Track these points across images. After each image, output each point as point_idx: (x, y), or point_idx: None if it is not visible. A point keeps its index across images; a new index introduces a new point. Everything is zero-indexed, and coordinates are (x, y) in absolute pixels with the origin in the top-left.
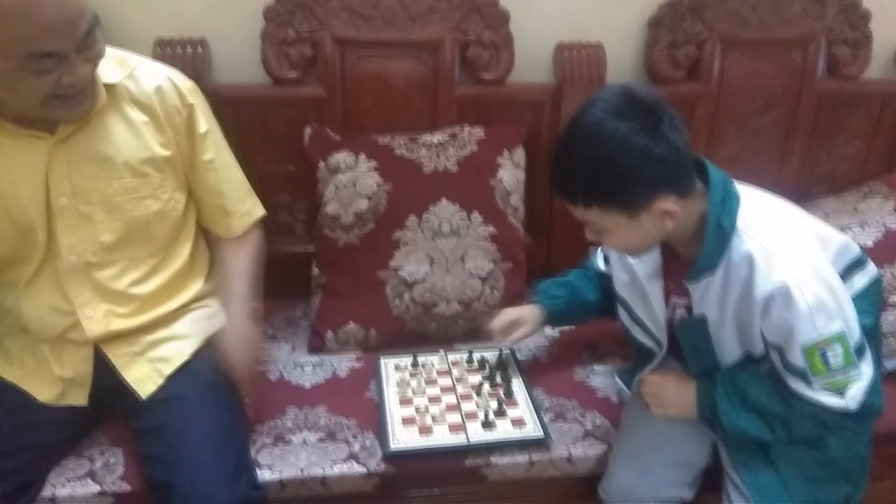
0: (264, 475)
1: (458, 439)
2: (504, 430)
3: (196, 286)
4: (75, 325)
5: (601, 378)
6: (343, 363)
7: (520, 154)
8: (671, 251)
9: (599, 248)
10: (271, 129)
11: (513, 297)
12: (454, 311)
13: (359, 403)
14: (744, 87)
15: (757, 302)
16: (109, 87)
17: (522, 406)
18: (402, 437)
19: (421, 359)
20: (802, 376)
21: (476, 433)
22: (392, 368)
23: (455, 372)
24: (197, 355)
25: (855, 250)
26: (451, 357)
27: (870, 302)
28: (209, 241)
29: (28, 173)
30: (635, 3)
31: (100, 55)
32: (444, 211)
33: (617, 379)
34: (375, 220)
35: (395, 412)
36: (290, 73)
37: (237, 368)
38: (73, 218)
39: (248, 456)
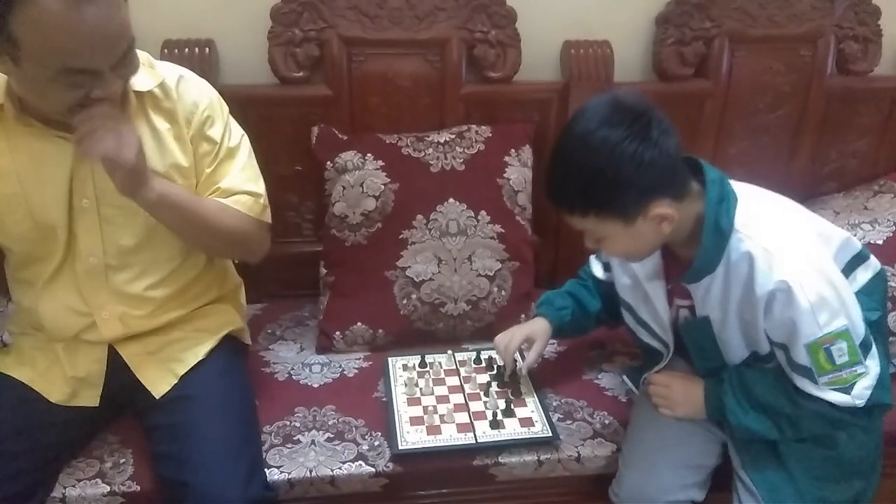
0: (273, 475)
1: (466, 439)
2: (512, 430)
3: (212, 291)
4: (91, 326)
5: (609, 377)
6: (351, 363)
7: (527, 153)
8: (671, 253)
9: (595, 256)
10: (278, 130)
11: (520, 297)
12: (462, 310)
13: (367, 403)
14: (752, 84)
15: (759, 300)
16: (138, 95)
17: (531, 405)
18: (411, 437)
19: (429, 358)
20: (808, 374)
21: (484, 433)
22: (400, 368)
23: (463, 371)
24: (211, 355)
25: (856, 245)
26: (459, 357)
27: (874, 297)
28: None
29: (53, 174)
30: (642, 0)
31: (133, 72)
32: (452, 210)
33: (625, 378)
34: (383, 219)
35: (403, 412)
36: (297, 73)
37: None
38: (93, 220)
39: (262, 457)
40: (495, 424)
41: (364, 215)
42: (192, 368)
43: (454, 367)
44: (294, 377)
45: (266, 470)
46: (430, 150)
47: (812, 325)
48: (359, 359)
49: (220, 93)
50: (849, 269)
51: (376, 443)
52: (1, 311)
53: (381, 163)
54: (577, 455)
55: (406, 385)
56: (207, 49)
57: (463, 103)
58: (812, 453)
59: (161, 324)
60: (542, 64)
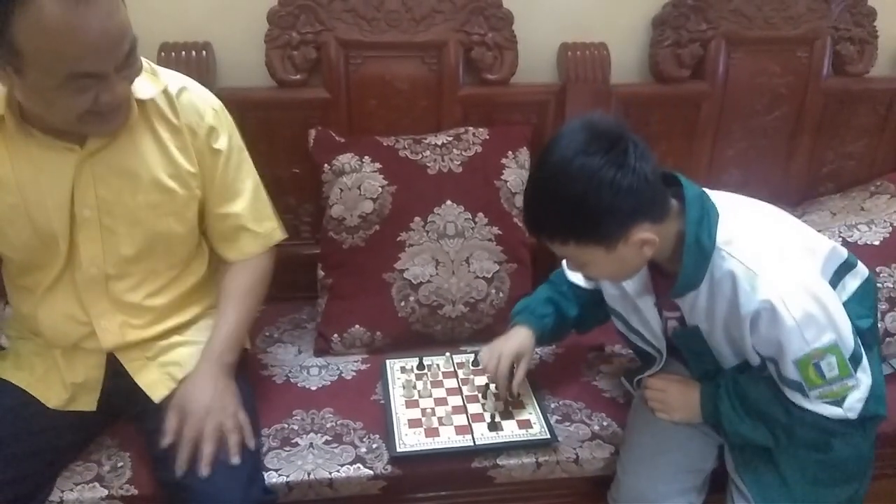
0: (271, 478)
1: (464, 441)
2: (510, 432)
3: (211, 296)
4: (90, 335)
5: (608, 379)
6: (349, 365)
7: (524, 155)
8: (658, 267)
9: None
10: (276, 132)
11: (518, 299)
12: (460, 312)
13: (365, 406)
14: (749, 85)
15: (744, 319)
16: (140, 103)
17: (529, 408)
18: (409, 440)
19: (427, 361)
20: (798, 388)
21: (482, 435)
22: (398, 370)
23: (461, 373)
24: None
25: (842, 253)
26: (457, 359)
27: (865, 303)
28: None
29: (54, 183)
30: (639, 2)
31: (137, 73)
32: (449, 212)
33: (624, 380)
34: (380, 221)
35: (401, 414)
36: (295, 75)
37: (171, 433)
38: (95, 230)
39: (261, 461)
40: (494, 426)
41: (362, 218)
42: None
43: (452, 369)
44: (292, 380)
45: (264, 473)
46: (428, 153)
47: (799, 341)
48: (357, 361)
49: (217, 96)
50: (837, 277)
51: (374, 445)
52: None
53: (378, 165)
54: (575, 457)
55: (404, 387)
56: (205, 52)
57: (460, 105)
58: (806, 457)
59: (160, 332)
60: (539, 66)
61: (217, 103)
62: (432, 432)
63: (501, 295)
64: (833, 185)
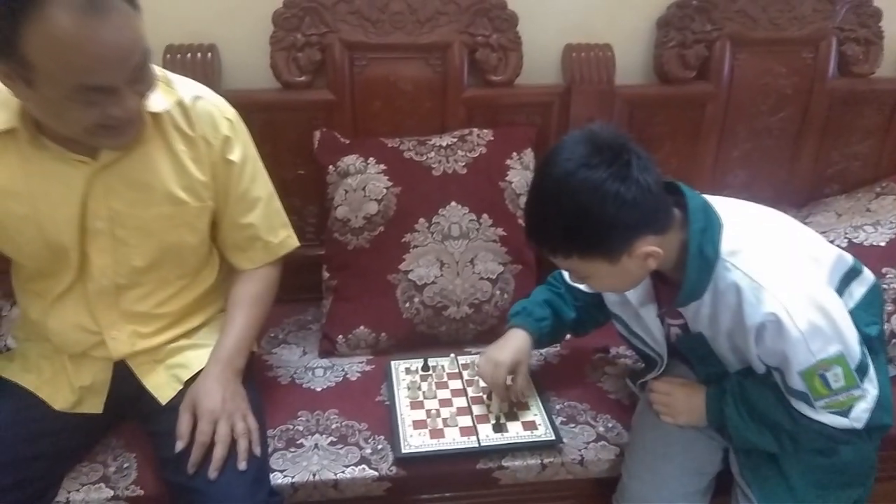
0: (276, 479)
1: (469, 442)
2: (515, 434)
3: (219, 302)
4: (100, 344)
5: (613, 380)
6: (354, 367)
7: (529, 156)
8: (661, 276)
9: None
10: (281, 134)
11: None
12: (464, 313)
13: (370, 407)
14: (754, 86)
15: (749, 331)
16: (154, 115)
17: (534, 409)
18: (414, 441)
19: (431, 362)
20: (804, 398)
21: (487, 436)
22: (403, 372)
23: (466, 375)
24: None
25: (848, 261)
26: (462, 360)
27: (872, 311)
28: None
29: (66, 195)
30: (643, 3)
31: (150, 88)
32: (454, 213)
33: (629, 381)
34: (385, 223)
35: (406, 415)
36: (299, 77)
37: (183, 437)
38: (107, 241)
39: (268, 463)
40: (498, 428)
41: (366, 219)
42: (196, 374)
43: (457, 370)
44: (297, 381)
45: (270, 474)
46: (432, 154)
47: (805, 353)
48: (361, 362)
49: (222, 97)
50: (843, 285)
51: (379, 446)
52: (5, 316)
53: (383, 166)
54: (580, 458)
55: (409, 388)
56: (210, 54)
57: (465, 107)
58: (811, 461)
59: (169, 338)
60: (543, 67)
61: (232, 113)
62: (437, 433)
63: (506, 296)
64: (838, 186)
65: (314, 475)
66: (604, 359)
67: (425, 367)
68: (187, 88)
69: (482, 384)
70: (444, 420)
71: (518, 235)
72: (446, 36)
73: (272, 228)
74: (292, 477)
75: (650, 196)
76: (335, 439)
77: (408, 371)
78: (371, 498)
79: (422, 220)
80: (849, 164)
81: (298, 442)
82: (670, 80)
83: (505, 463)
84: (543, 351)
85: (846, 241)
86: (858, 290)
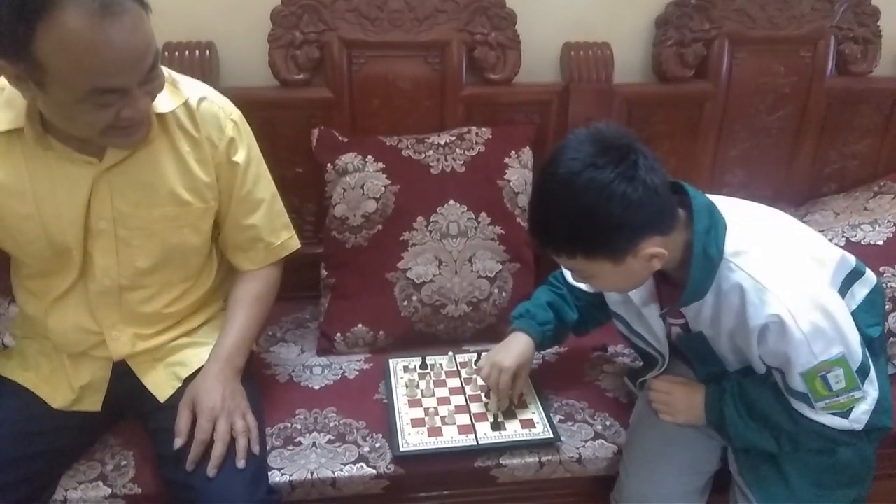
0: (274, 477)
1: (467, 441)
2: (513, 432)
3: (220, 302)
4: (100, 344)
5: (611, 379)
6: (352, 365)
7: (527, 154)
8: (662, 275)
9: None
10: (279, 132)
11: (521, 298)
12: (462, 312)
13: (368, 405)
14: (752, 85)
15: (752, 332)
16: (160, 116)
17: (532, 407)
18: (412, 439)
19: (430, 360)
20: (804, 399)
21: (485, 434)
22: (401, 370)
23: (464, 373)
24: None
25: (851, 262)
26: (460, 358)
27: (874, 312)
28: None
29: (71, 195)
30: (642, 2)
31: (160, 88)
32: (452, 212)
33: (627, 380)
34: (383, 221)
35: (404, 414)
36: (298, 75)
37: (182, 434)
38: (110, 241)
39: (266, 461)
40: (496, 426)
41: (365, 217)
42: (195, 372)
43: (455, 368)
44: (295, 379)
45: (268, 472)
46: (431, 152)
47: (807, 354)
48: (360, 361)
49: (227, 98)
50: (845, 286)
51: (377, 444)
52: (3, 314)
53: (381, 165)
54: (578, 456)
55: (407, 387)
56: (208, 52)
57: (463, 105)
58: (810, 461)
59: (169, 338)
60: (542, 66)
61: (237, 114)
62: (435, 432)
63: (504, 294)
64: (836, 185)
65: (312, 473)
66: (602, 357)
67: (423, 366)
68: (193, 89)
69: (480, 382)
70: (443, 418)
71: (516, 234)
72: (445, 34)
73: (274, 230)
74: (290, 475)
75: (656, 197)
76: (333, 437)
77: (406, 369)
78: (369, 496)
79: (420, 218)
80: (847, 163)
81: (296, 440)
82: (669, 78)
83: (503, 461)
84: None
85: (844, 239)
86: (861, 291)
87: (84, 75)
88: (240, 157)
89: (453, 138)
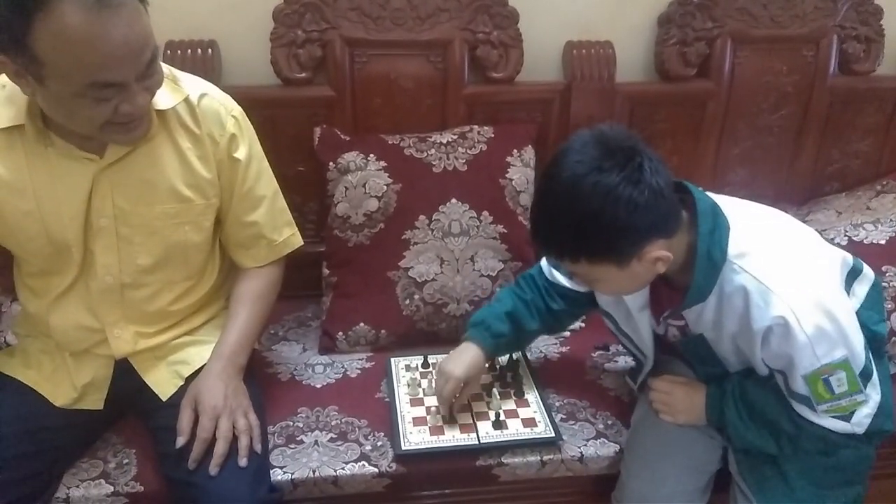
0: (276, 475)
1: (469, 439)
2: (515, 431)
3: (221, 301)
4: (102, 342)
5: (612, 378)
6: (354, 363)
7: (529, 153)
8: (661, 278)
9: (549, 261)
10: (281, 131)
11: None
12: (464, 310)
13: (370, 404)
14: (755, 84)
15: (755, 335)
16: (160, 112)
17: (533, 406)
18: (414, 438)
19: (431, 359)
20: (806, 402)
21: (487, 433)
22: (403, 369)
23: None
24: None
25: (849, 261)
26: None
27: (877, 308)
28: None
29: (71, 192)
30: (644, 0)
31: (158, 84)
32: (454, 210)
33: (628, 379)
34: (385, 220)
35: (406, 412)
36: (300, 74)
37: (185, 433)
38: (111, 239)
39: (268, 459)
40: (498, 425)
41: (366, 216)
42: (197, 370)
43: None
44: (297, 377)
45: (270, 470)
46: (433, 151)
47: (810, 357)
48: (361, 359)
49: (228, 95)
50: (846, 285)
51: (379, 443)
52: (5, 312)
53: (383, 163)
54: (580, 455)
55: (409, 385)
56: (210, 50)
57: (465, 104)
58: (810, 460)
59: (171, 337)
60: (544, 64)
61: (238, 110)
62: (437, 430)
63: None
64: (839, 184)
65: (314, 472)
66: (604, 356)
67: (425, 364)
68: (194, 86)
69: (481, 381)
70: (444, 417)
71: (518, 233)
72: (447, 33)
73: (276, 227)
74: (292, 473)
75: (662, 200)
76: (335, 436)
77: (408, 368)
78: (371, 494)
79: (422, 217)
80: (849, 163)
81: (298, 438)
82: (671, 77)
83: (504, 460)
84: (543, 348)
85: (846, 239)
86: (861, 289)
87: (81, 69)
88: (241, 153)
89: (455, 137)
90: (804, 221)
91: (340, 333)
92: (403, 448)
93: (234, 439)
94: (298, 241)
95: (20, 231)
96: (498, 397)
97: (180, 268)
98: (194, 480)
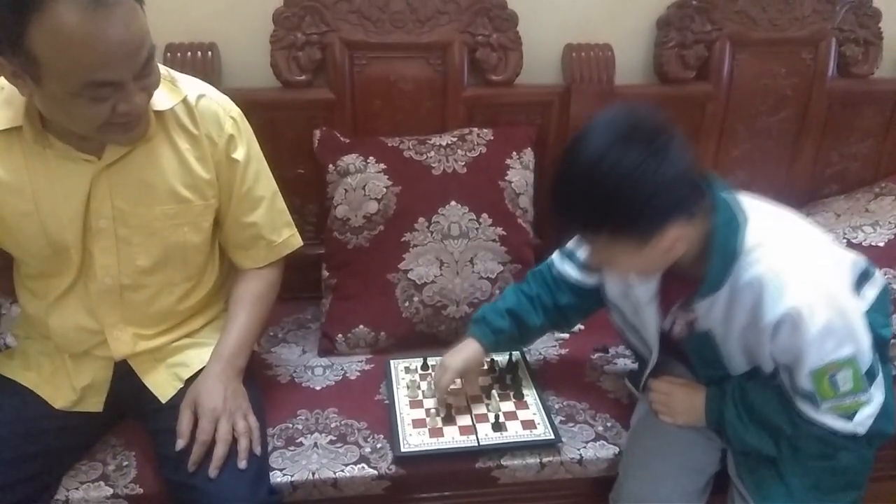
0: (276, 478)
1: (468, 441)
2: (514, 433)
3: (221, 304)
4: (101, 343)
5: (612, 380)
6: (353, 365)
7: (529, 155)
8: (673, 269)
9: (563, 254)
10: (281, 133)
11: None
12: (464, 312)
13: (369, 406)
14: (754, 87)
15: (766, 327)
16: (158, 113)
17: (533, 408)
18: (413, 440)
19: (431, 361)
20: (810, 398)
21: (486, 435)
22: (402, 371)
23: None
24: None
25: (861, 264)
26: None
27: (883, 312)
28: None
29: (70, 194)
30: (643, 3)
31: (156, 84)
32: (454, 213)
33: (627, 381)
34: (385, 222)
35: (405, 414)
36: (300, 76)
37: (184, 435)
38: (110, 240)
39: (268, 461)
40: (497, 427)
41: (366, 218)
42: (197, 373)
43: None
44: (296, 379)
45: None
46: (432, 153)
47: (818, 352)
48: (361, 361)
49: (226, 96)
50: (857, 288)
51: (379, 445)
52: (4, 314)
53: (383, 166)
54: (579, 457)
55: (408, 387)
56: (210, 53)
57: (465, 106)
58: (810, 465)
59: (171, 339)
60: (543, 67)
61: (236, 111)
62: (436, 432)
63: None
64: (838, 187)
65: (313, 474)
66: (603, 358)
67: (424, 366)
68: (192, 87)
69: (481, 383)
70: (438, 410)
71: (518, 235)
72: (446, 35)
73: (275, 228)
74: (292, 475)
75: (686, 179)
76: (334, 438)
77: (407, 370)
78: (370, 496)
79: (421, 219)
80: (848, 165)
81: (298, 441)
82: (670, 80)
83: (504, 462)
84: (542, 350)
85: (845, 241)
86: (871, 292)
87: (78, 68)
88: (239, 154)
89: (455, 139)
90: None
91: (340, 335)
92: (403, 450)
93: (234, 441)
94: (298, 241)
95: (19, 232)
96: (497, 399)
97: (179, 269)
98: (194, 483)
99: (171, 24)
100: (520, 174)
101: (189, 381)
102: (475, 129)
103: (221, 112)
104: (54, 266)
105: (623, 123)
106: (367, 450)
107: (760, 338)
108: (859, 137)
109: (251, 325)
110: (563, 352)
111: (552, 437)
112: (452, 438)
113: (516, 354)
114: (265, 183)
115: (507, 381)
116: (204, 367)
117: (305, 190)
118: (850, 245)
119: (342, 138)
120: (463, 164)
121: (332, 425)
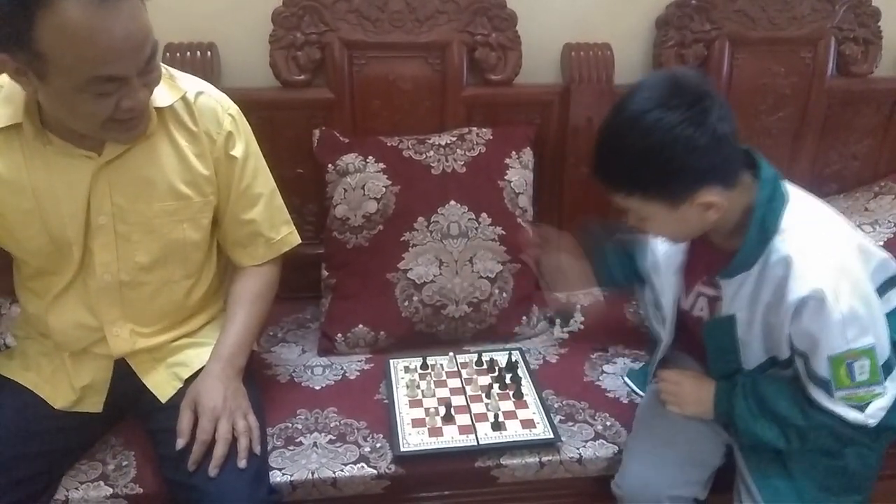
0: (275, 477)
1: (468, 441)
2: (514, 432)
3: (220, 303)
4: (100, 341)
5: (611, 379)
6: (353, 365)
7: (528, 155)
8: (707, 241)
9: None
10: (280, 133)
11: (521, 299)
12: (463, 312)
13: (369, 405)
14: (753, 86)
15: (789, 305)
16: (158, 110)
17: (532, 407)
18: (412, 439)
19: (430, 360)
20: (825, 386)
21: (486, 435)
22: (401, 370)
23: (464, 373)
24: None
25: (893, 267)
26: (461, 359)
27: None
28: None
29: (70, 191)
30: (643, 2)
31: (157, 81)
32: (453, 212)
33: (627, 380)
34: (384, 221)
35: (404, 414)
36: (299, 76)
37: (184, 435)
38: (109, 237)
39: (267, 461)
40: (497, 426)
41: (365, 217)
42: (196, 372)
43: (455, 368)
44: (296, 379)
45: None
46: (432, 153)
47: (839, 338)
48: (360, 361)
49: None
50: (883, 290)
51: (378, 445)
52: (4, 314)
53: (382, 165)
54: (578, 457)
55: (408, 387)
56: (209, 52)
57: (464, 106)
58: (818, 462)
59: (170, 338)
60: (542, 66)
61: (234, 108)
62: (436, 432)
63: (505, 295)
64: (837, 186)
65: (313, 473)
66: (602, 357)
67: (424, 366)
68: (190, 84)
69: (481, 382)
70: (443, 418)
71: (517, 234)
72: (445, 35)
73: (274, 225)
74: (291, 475)
75: (723, 147)
76: (334, 437)
77: (406, 369)
78: (370, 496)
79: (421, 218)
80: (847, 164)
81: (297, 440)
82: None
83: (503, 461)
84: (542, 350)
85: None
86: (895, 297)
87: (84, 63)
88: (238, 151)
89: (454, 139)
90: None
91: (339, 335)
92: (402, 449)
93: (234, 441)
94: (296, 239)
95: (20, 230)
96: (497, 398)
97: (179, 266)
98: (194, 482)
99: (170, 24)
100: (519, 174)
101: (189, 381)
102: (474, 129)
103: (220, 109)
104: (54, 263)
105: (668, 87)
106: (367, 449)
107: (782, 317)
108: (859, 136)
109: (250, 324)
110: (562, 351)
111: (551, 436)
112: (452, 438)
113: (516, 354)
114: (263, 180)
115: (506, 380)
116: (203, 366)
117: (305, 189)
118: None
119: (341, 138)
120: (462, 163)
121: (332, 425)
